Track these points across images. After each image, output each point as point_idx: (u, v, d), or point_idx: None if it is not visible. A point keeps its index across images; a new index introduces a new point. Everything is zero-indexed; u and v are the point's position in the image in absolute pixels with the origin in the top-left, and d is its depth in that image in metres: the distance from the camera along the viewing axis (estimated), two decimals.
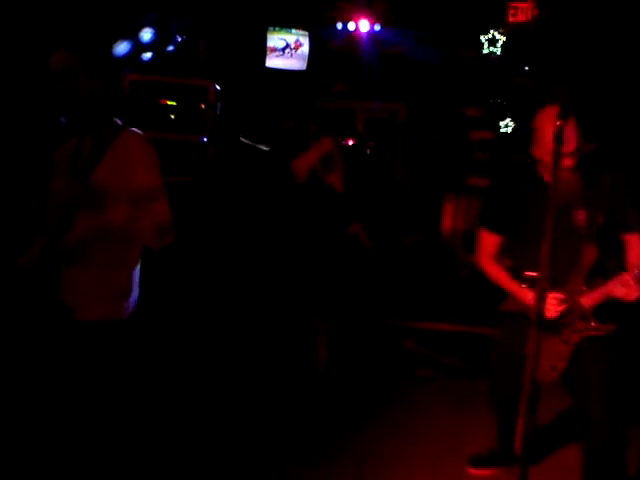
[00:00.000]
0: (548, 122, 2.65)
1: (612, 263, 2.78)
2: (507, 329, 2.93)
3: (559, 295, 2.71)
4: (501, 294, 2.97)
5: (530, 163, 2.84)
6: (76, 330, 2.49)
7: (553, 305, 2.72)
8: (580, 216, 2.72)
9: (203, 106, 9.02)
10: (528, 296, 2.70)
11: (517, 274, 2.81)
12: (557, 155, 2.29)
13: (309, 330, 3.71)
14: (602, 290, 2.67)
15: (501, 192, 2.91)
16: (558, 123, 2.28)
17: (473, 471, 3.25)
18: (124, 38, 9.51)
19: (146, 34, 9.95)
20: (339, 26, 11.71)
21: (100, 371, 2.50)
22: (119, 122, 2.62)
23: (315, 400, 3.67)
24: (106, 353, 2.50)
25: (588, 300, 2.69)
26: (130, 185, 2.46)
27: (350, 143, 10.28)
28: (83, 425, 2.51)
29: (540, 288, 2.25)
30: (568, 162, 2.65)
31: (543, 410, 3.32)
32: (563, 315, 2.72)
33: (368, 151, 10.59)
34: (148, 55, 10.39)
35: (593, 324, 2.71)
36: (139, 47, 9.90)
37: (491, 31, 11.28)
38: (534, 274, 2.48)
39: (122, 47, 9.36)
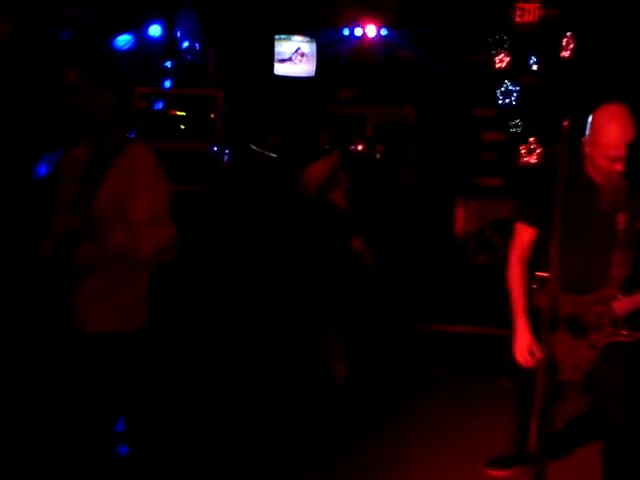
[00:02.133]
0: (610, 122, 2.48)
1: None
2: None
3: (534, 347, 2.61)
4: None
5: (579, 160, 2.69)
6: (84, 342, 2.52)
7: (526, 352, 2.66)
8: (621, 219, 2.61)
9: (213, 115, 9.08)
10: (521, 324, 2.65)
11: (530, 271, 2.75)
12: (565, 153, 2.24)
13: (325, 345, 3.72)
14: (636, 299, 2.59)
15: (542, 186, 2.71)
16: (565, 123, 2.21)
17: (492, 472, 3.25)
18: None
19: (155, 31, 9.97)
20: (346, 32, 11.73)
21: (108, 383, 2.52)
22: (129, 135, 2.65)
23: (335, 408, 3.69)
24: (114, 365, 2.53)
25: (622, 306, 2.62)
26: (133, 208, 2.47)
27: (359, 148, 10.30)
28: (87, 434, 2.54)
29: (552, 289, 2.24)
30: (621, 166, 2.55)
31: (567, 410, 3.32)
32: (594, 319, 2.66)
33: (378, 155, 10.60)
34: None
35: (624, 332, 2.64)
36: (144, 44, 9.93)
37: (498, 33, 11.26)
38: (545, 274, 2.45)
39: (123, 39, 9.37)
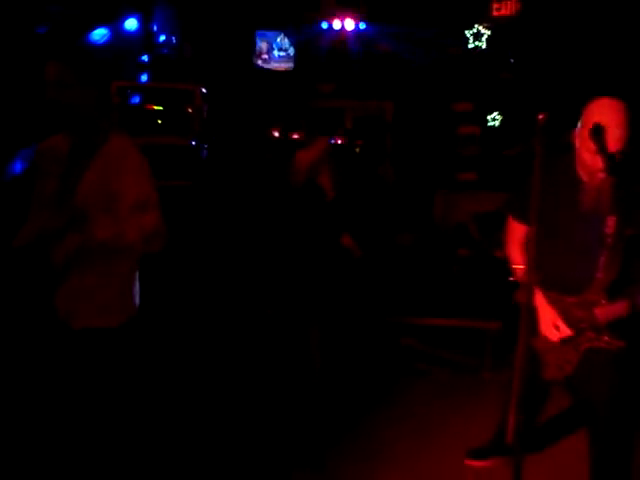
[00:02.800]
0: (598, 115, 2.40)
1: (635, 276, 2.67)
2: (518, 320, 2.86)
3: (560, 323, 2.60)
4: (503, 287, 2.94)
5: (568, 157, 2.62)
6: (71, 338, 2.48)
7: (553, 329, 2.63)
8: (609, 223, 2.55)
9: (190, 110, 9.00)
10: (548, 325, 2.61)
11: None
12: (541, 149, 2.19)
13: (302, 334, 3.69)
14: (621, 304, 2.55)
15: (527, 181, 2.68)
16: (541, 117, 2.13)
17: (471, 463, 3.26)
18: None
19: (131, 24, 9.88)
20: (324, 25, 11.71)
21: (96, 378, 2.49)
22: (108, 127, 2.62)
23: (314, 402, 3.66)
24: (103, 360, 2.49)
25: (603, 313, 2.58)
26: (118, 196, 2.45)
27: (339, 142, 10.28)
28: (79, 431, 2.50)
29: (529, 282, 2.19)
30: (598, 163, 2.43)
31: (553, 406, 3.33)
32: (577, 322, 2.65)
33: (357, 150, 10.60)
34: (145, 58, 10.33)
35: (605, 338, 2.61)
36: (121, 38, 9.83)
37: (476, 26, 11.30)
38: (521, 267, 2.42)
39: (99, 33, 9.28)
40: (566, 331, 2.65)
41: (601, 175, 2.52)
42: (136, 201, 2.46)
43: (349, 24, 11.46)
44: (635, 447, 2.77)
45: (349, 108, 11.09)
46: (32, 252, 2.48)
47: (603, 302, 2.61)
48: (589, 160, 2.51)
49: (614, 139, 2.43)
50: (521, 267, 2.56)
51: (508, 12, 11.22)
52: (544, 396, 2.95)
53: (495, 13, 11.21)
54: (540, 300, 2.65)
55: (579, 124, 2.55)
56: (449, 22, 10.92)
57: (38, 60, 2.57)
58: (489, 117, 11.19)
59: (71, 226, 2.41)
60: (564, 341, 2.68)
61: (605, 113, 2.44)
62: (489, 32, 11.26)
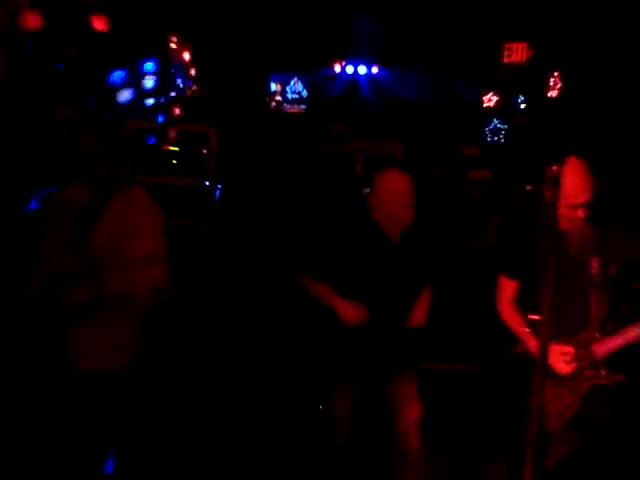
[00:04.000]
0: (567, 172, 2.68)
1: (624, 311, 2.80)
2: (516, 374, 2.93)
3: (569, 349, 2.69)
4: (508, 336, 2.99)
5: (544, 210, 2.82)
6: (78, 380, 2.53)
7: (563, 361, 2.72)
8: (594, 264, 2.73)
9: (205, 151, 9.18)
10: (557, 357, 2.71)
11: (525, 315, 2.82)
12: (554, 194, 2.33)
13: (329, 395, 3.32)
14: (616, 339, 2.65)
15: (517, 237, 2.91)
16: (555, 168, 2.30)
17: None
18: (126, 86, 9.73)
19: (148, 81, 10.17)
20: (337, 69, 11.96)
21: (98, 419, 2.53)
22: (122, 174, 2.69)
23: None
24: (107, 402, 2.54)
25: (601, 349, 2.67)
26: (130, 249, 2.51)
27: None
28: (78, 471, 2.54)
29: (544, 333, 2.26)
30: (582, 213, 2.69)
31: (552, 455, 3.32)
32: (575, 364, 2.72)
33: (367, 191, 10.68)
34: (150, 101, 10.59)
35: (603, 373, 2.69)
36: (141, 94, 10.11)
37: (487, 72, 11.50)
38: (537, 317, 2.50)
39: (125, 95, 9.56)
40: (573, 358, 2.74)
41: (580, 223, 2.71)
42: (146, 255, 2.52)
43: (362, 69, 11.71)
44: None
45: (359, 150, 11.24)
46: (44, 296, 2.55)
47: (599, 338, 2.71)
48: (567, 213, 2.70)
49: (585, 190, 2.65)
50: (536, 318, 2.63)
51: (518, 59, 11.43)
52: (545, 446, 2.97)
53: (506, 60, 11.42)
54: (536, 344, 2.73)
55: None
56: (460, 68, 11.12)
57: (54, 102, 2.67)
58: (499, 162, 11.30)
59: (83, 275, 2.47)
60: (570, 378, 2.73)
61: (572, 171, 2.69)
62: (500, 78, 11.45)
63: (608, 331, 2.72)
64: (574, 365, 2.70)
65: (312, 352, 3.43)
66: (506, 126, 11.24)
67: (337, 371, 2.93)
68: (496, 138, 11.38)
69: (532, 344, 2.77)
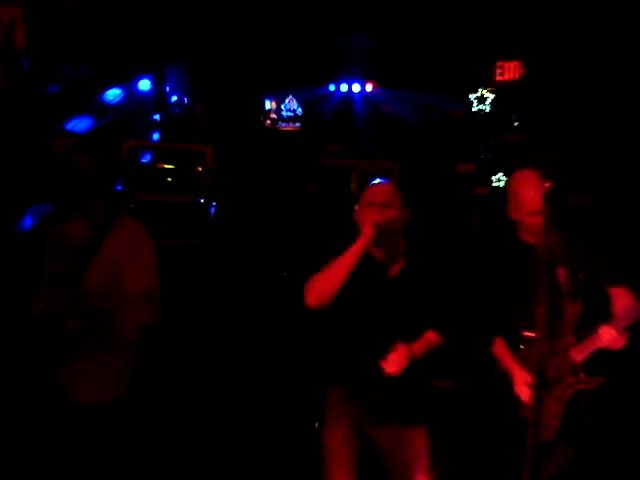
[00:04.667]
0: (524, 184, 2.80)
1: (599, 315, 2.84)
2: (503, 391, 2.94)
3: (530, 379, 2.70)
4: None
5: (508, 226, 2.94)
6: (73, 413, 2.51)
7: (525, 388, 2.74)
8: (561, 273, 2.79)
9: (200, 169, 9.18)
10: (516, 371, 2.74)
11: (513, 332, 2.85)
12: (548, 215, 2.37)
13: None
14: (590, 344, 2.72)
15: (487, 259, 3.01)
16: (547, 184, 2.37)
17: None
18: (121, 104, 9.75)
19: (143, 99, 10.20)
20: (331, 87, 12.03)
21: (94, 451, 2.51)
22: (117, 188, 2.70)
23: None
24: (101, 434, 2.52)
25: (578, 354, 2.74)
26: (123, 284, 2.51)
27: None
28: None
29: (538, 348, 2.29)
30: (538, 219, 2.73)
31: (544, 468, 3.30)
32: (555, 371, 2.76)
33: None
34: (146, 119, 10.61)
35: (583, 377, 2.75)
36: (136, 111, 10.13)
37: (479, 90, 11.57)
38: (532, 334, 2.52)
39: (119, 112, 9.56)
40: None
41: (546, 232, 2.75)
42: (139, 294, 2.53)
43: (356, 87, 11.78)
44: None
45: (355, 167, 11.27)
46: (40, 328, 2.55)
47: (574, 343, 2.76)
48: (532, 221, 2.77)
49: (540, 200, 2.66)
50: (531, 335, 2.64)
51: (511, 76, 11.51)
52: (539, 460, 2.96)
53: (498, 78, 11.49)
54: (516, 369, 2.79)
55: (511, 198, 2.85)
56: (453, 86, 11.19)
57: (51, 119, 2.68)
58: (494, 178, 11.33)
59: (77, 309, 2.48)
60: (549, 387, 2.76)
61: (526, 179, 2.76)
62: (493, 96, 11.52)
63: (583, 336, 2.77)
64: (552, 369, 2.73)
65: (309, 373, 3.39)
66: (500, 143, 11.28)
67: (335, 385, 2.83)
68: (490, 155, 11.42)
69: (513, 369, 2.78)
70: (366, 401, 2.71)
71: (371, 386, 2.67)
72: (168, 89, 10.74)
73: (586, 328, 2.82)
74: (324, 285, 2.61)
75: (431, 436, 2.80)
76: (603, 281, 2.86)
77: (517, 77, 11.46)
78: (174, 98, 10.93)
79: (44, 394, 2.56)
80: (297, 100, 12.28)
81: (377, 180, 2.95)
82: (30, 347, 2.59)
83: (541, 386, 2.36)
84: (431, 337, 2.73)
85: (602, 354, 2.78)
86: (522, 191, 2.83)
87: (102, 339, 2.52)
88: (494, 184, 11.32)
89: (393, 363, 2.57)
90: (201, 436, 4.27)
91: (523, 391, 2.78)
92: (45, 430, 2.56)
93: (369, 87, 11.84)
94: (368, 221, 2.65)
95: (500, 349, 2.96)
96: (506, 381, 2.94)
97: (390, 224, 2.68)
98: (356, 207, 2.87)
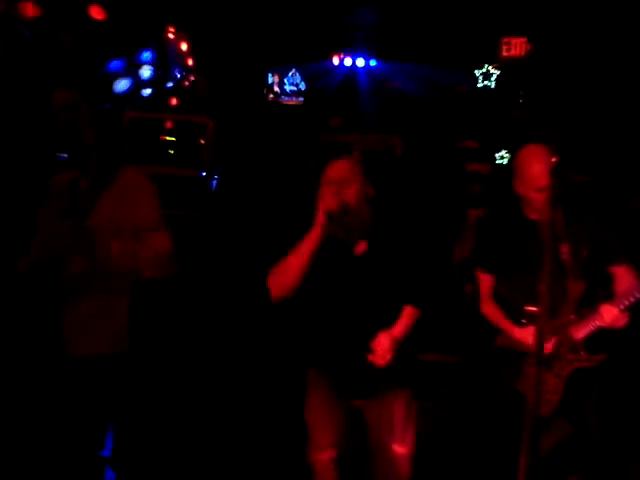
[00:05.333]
0: (532, 159, 2.77)
1: (600, 294, 2.83)
2: (500, 364, 2.96)
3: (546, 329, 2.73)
4: (491, 328, 3.01)
5: (513, 201, 2.92)
6: (74, 365, 2.50)
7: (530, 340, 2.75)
8: (564, 249, 2.78)
9: (202, 142, 9.14)
10: (521, 333, 2.76)
11: (516, 307, 2.86)
12: (555, 191, 2.35)
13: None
14: (591, 322, 2.72)
15: (489, 231, 3.01)
16: (553, 159, 2.36)
17: None
18: (123, 75, 9.67)
19: (145, 71, 10.11)
20: (335, 61, 11.92)
21: (95, 404, 2.51)
22: (119, 159, 2.68)
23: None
24: (103, 387, 2.52)
25: (578, 332, 2.74)
26: (128, 219, 2.50)
27: None
28: (75, 455, 2.52)
29: (540, 323, 2.29)
30: (543, 195, 2.72)
31: (542, 442, 3.33)
32: (555, 348, 2.77)
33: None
34: (148, 91, 10.53)
35: (584, 355, 2.75)
36: (139, 83, 10.06)
37: (485, 65, 11.46)
38: (534, 309, 2.51)
39: (122, 84, 9.50)
40: (552, 341, 2.77)
41: (548, 209, 2.73)
42: (145, 225, 2.52)
43: (360, 61, 11.66)
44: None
45: (357, 142, 11.21)
46: (37, 278, 2.52)
47: (575, 321, 2.77)
48: (537, 197, 2.75)
49: (545, 175, 2.66)
50: (533, 310, 2.62)
51: (517, 53, 11.40)
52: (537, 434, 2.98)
53: (505, 54, 11.38)
54: (520, 332, 2.80)
55: (517, 172, 2.83)
56: (459, 61, 11.09)
57: (52, 87, 2.65)
58: (497, 155, 11.27)
59: (80, 247, 2.45)
60: (549, 363, 2.77)
61: (533, 155, 2.73)
62: (498, 72, 11.41)
63: (584, 314, 2.77)
64: (551, 345, 2.74)
65: (292, 354, 3.36)
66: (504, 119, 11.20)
67: (314, 371, 2.75)
68: (494, 132, 11.34)
69: (515, 333, 2.80)
70: (347, 382, 2.70)
71: (351, 369, 2.64)
72: (170, 61, 10.65)
73: (588, 306, 2.81)
74: (284, 277, 2.57)
75: (413, 407, 2.76)
76: (605, 260, 2.85)
77: (523, 53, 11.35)
78: (176, 70, 10.85)
79: (44, 346, 2.55)
80: (300, 74, 12.18)
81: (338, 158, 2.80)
82: (27, 301, 2.58)
83: (541, 361, 2.36)
84: (409, 312, 2.65)
85: (604, 333, 2.78)
86: (529, 167, 2.80)
87: (106, 285, 2.49)
88: (497, 161, 11.27)
89: (380, 356, 2.54)
90: (196, 395, 4.31)
91: (524, 336, 2.76)
92: (44, 382, 2.56)
93: (373, 62, 11.73)
94: (321, 208, 2.55)
95: (492, 311, 2.96)
96: (504, 355, 2.94)
97: (346, 205, 2.56)
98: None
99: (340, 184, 2.61)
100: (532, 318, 2.74)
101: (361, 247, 2.67)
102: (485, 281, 3.03)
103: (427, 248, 2.74)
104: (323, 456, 2.72)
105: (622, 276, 2.80)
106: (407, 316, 2.64)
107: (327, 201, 2.55)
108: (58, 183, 2.68)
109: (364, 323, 2.58)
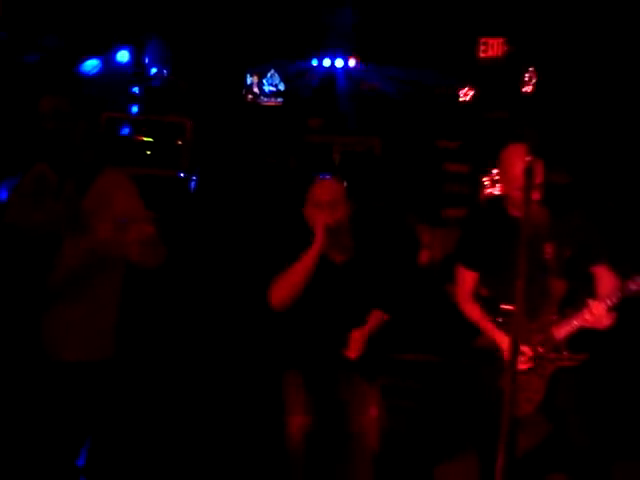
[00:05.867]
0: (514, 159, 2.79)
1: (582, 294, 2.85)
2: (481, 364, 2.97)
3: (525, 349, 2.73)
4: (471, 327, 3.01)
5: (497, 199, 2.94)
6: (55, 371, 2.45)
7: (520, 359, 2.75)
8: (548, 249, 2.80)
9: (180, 142, 9.05)
10: (501, 337, 2.76)
11: (493, 306, 2.86)
12: (528, 190, 2.35)
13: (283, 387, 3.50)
14: (573, 321, 2.74)
15: (474, 229, 3.02)
16: (528, 159, 2.36)
17: None
18: (99, 75, 9.57)
19: (123, 56, 10.00)
20: (314, 62, 11.91)
21: (74, 411, 2.46)
22: (100, 161, 2.65)
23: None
24: (83, 394, 2.47)
25: (560, 331, 2.76)
26: (113, 211, 2.48)
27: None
28: (51, 462, 2.47)
29: (516, 322, 2.28)
30: (535, 195, 2.74)
31: (522, 441, 3.33)
32: (537, 347, 2.77)
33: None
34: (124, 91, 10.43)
35: (566, 354, 2.76)
36: (112, 67, 9.95)
37: (463, 67, 11.51)
38: (510, 307, 2.52)
39: (98, 84, 9.40)
40: (528, 356, 2.79)
41: (535, 207, 2.77)
42: (130, 215, 2.49)
43: (339, 62, 11.66)
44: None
45: (337, 143, 11.19)
46: (18, 278, 2.48)
47: (557, 320, 2.79)
48: (519, 195, 2.76)
49: (536, 174, 2.81)
50: (509, 308, 2.65)
51: (495, 53, 11.45)
52: (514, 433, 2.98)
53: (482, 54, 11.43)
54: (500, 336, 2.81)
55: (500, 171, 2.86)
56: (438, 63, 11.12)
57: (27, 90, 2.61)
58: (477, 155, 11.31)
59: (70, 227, 2.43)
60: (529, 369, 2.77)
61: (518, 154, 2.81)
62: (475, 73, 11.46)
63: (566, 313, 2.79)
64: (529, 365, 2.73)
65: (269, 350, 3.53)
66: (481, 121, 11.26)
67: (291, 368, 3.08)
68: (472, 133, 11.40)
69: (496, 335, 2.80)
70: (323, 382, 3.17)
71: (328, 369, 3.12)
72: (147, 61, 10.55)
73: (570, 306, 2.83)
74: (286, 291, 3.00)
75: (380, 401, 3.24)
76: (588, 260, 2.87)
77: (500, 54, 11.40)
78: (154, 70, 10.75)
79: (27, 351, 2.50)
80: (279, 75, 12.14)
81: (322, 177, 3.27)
82: (12, 299, 2.53)
83: (516, 361, 2.35)
84: (378, 316, 3.17)
85: (587, 332, 2.79)
86: (512, 166, 2.82)
87: (88, 291, 2.46)
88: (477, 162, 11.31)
89: (353, 350, 3.03)
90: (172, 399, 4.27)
91: (504, 342, 2.78)
92: (28, 389, 2.50)
93: (352, 62, 11.73)
94: (319, 225, 2.98)
95: (473, 310, 2.97)
96: (486, 355, 2.95)
97: (339, 222, 3.05)
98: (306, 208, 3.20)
99: (331, 205, 3.04)
100: (507, 316, 2.75)
101: (342, 257, 3.16)
102: (468, 278, 3.03)
103: (397, 261, 3.33)
104: (296, 420, 3.12)
105: (603, 276, 2.82)
106: (375, 319, 3.16)
107: (325, 219, 3.00)
108: (36, 171, 2.65)
109: (340, 323, 3.07)
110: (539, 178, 2.80)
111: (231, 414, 4.21)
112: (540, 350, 2.82)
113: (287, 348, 3.22)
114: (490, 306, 2.93)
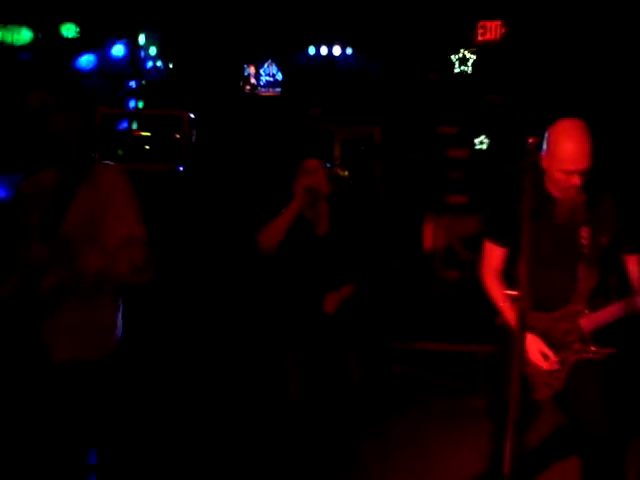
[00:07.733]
0: (565, 136, 2.53)
1: (612, 283, 2.71)
2: (505, 344, 2.85)
3: (549, 352, 2.61)
4: (488, 310, 2.91)
5: (537, 174, 2.68)
6: (54, 372, 2.43)
7: (543, 359, 2.65)
8: (583, 234, 2.61)
9: (178, 136, 9.00)
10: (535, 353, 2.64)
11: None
12: (531, 173, 2.24)
13: (280, 366, 3.85)
14: (605, 313, 2.58)
15: (505, 202, 2.73)
16: (531, 140, 2.20)
17: None
18: (95, 71, 9.51)
19: (118, 66, 9.94)
20: (311, 50, 11.82)
21: (77, 411, 2.44)
22: (93, 156, 2.59)
23: (313, 434, 3.73)
24: (85, 394, 2.44)
25: (588, 323, 2.60)
26: (107, 230, 2.42)
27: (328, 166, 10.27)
28: (58, 464, 2.44)
29: (521, 307, 2.18)
30: (577, 180, 2.55)
31: (542, 429, 3.30)
32: (564, 336, 2.65)
33: (346, 173, 10.62)
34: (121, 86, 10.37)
35: (592, 348, 2.62)
36: (111, 78, 9.89)
37: (461, 50, 11.41)
38: (514, 293, 2.42)
39: (94, 79, 9.33)
40: (553, 360, 2.68)
41: (574, 191, 2.61)
42: (125, 236, 2.43)
43: (336, 50, 11.58)
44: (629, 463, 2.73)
45: (337, 132, 11.13)
46: (20, 292, 2.45)
47: (586, 312, 2.64)
48: (562, 178, 2.59)
49: (583, 157, 2.52)
50: (513, 293, 2.53)
51: (492, 36, 11.36)
52: (534, 416, 2.92)
53: (480, 38, 11.34)
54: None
55: (545, 145, 2.63)
56: (434, 48, 11.03)
57: (23, 86, 2.56)
58: (476, 140, 11.25)
59: (57, 259, 2.37)
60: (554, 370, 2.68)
61: (570, 134, 2.56)
62: (474, 57, 11.37)
63: (596, 304, 2.65)
64: (551, 367, 2.63)
65: (267, 327, 3.96)
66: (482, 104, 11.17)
67: (286, 340, 3.64)
68: (472, 117, 11.32)
69: (510, 317, 2.68)
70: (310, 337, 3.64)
71: (312, 321, 3.60)
72: (143, 54, 10.48)
73: (599, 297, 2.68)
74: (269, 235, 3.59)
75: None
76: (622, 248, 2.70)
77: (498, 37, 11.31)
78: (150, 64, 10.68)
79: (27, 351, 2.46)
80: (276, 65, 12.06)
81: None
82: (8, 306, 2.48)
83: (522, 346, 2.28)
84: (350, 286, 3.65)
85: (614, 326, 2.67)
86: (558, 145, 2.59)
87: (86, 292, 2.41)
88: (477, 147, 11.25)
89: (329, 305, 3.60)
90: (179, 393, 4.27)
91: (539, 359, 2.69)
92: (27, 390, 2.47)
93: (349, 50, 11.65)
94: (300, 185, 3.55)
95: (495, 287, 2.80)
96: (506, 334, 2.82)
97: (317, 187, 3.58)
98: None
99: (313, 172, 3.63)
100: (512, 301, 2.62)
101: (322, 230, 3.70)
102: (495, 254, 2.81)
103: (365, 239, 3.81)
104: (294, 386, 3.66)
105: (637, 265, 2.66)
106: (347, 288, 3.67)
107: (305, 182, 3.56)
108: (31, 184, 2.59)
109: (320, 283, 3.62)
110: (585, 163, 2.54)
111: (232, 398, 4.22)
112: (565, 339, 2.67)
113: (278, 307, 3.69)
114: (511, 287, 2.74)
